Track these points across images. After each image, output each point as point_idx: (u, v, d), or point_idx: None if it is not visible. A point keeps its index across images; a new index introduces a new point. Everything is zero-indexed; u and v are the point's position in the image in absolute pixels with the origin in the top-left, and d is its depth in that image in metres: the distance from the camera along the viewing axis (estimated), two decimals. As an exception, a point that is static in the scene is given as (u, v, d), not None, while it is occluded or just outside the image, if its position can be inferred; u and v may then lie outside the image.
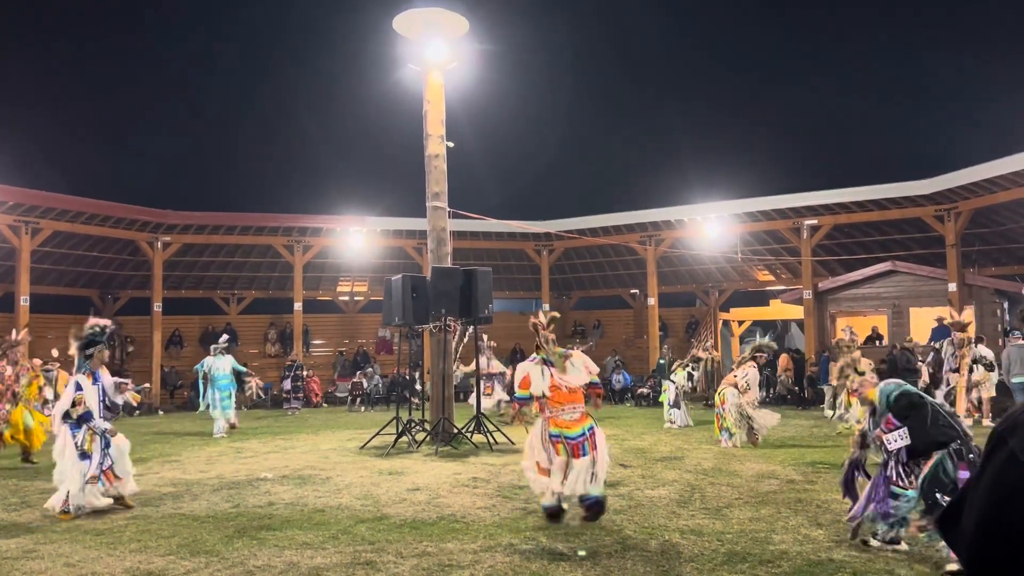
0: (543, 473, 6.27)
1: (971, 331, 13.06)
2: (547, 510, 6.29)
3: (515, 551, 5.44)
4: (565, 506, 6.31)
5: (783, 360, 19.36)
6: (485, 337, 14.98)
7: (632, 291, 25.56)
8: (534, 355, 6.69)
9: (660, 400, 15.27)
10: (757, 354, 11.76)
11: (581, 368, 6.57)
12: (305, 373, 20.35)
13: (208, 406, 13.64)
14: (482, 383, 13.70)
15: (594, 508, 6.17)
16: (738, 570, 4.92)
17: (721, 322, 24.85)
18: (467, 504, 7.11)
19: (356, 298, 25.89)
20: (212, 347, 14.44)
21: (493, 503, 7.11)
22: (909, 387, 5.42)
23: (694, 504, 6.96)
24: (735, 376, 11.40)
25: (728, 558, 5.18)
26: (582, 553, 5.32)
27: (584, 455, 6.17)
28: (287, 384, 19.35)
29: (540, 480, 6.29)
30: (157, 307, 20.78)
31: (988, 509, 1.24)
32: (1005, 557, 1.21)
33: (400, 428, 11.46)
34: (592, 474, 6.13)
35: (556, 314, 7.26)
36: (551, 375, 6.46)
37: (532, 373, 6.54)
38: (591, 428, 6.34)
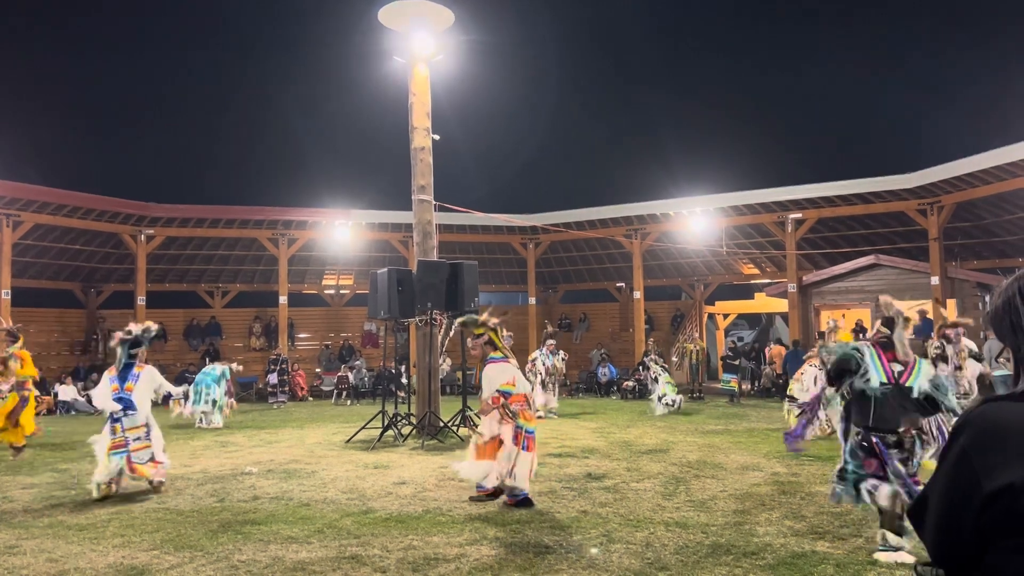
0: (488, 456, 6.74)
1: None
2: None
3: (501, 544, 5.45)
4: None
5: (774, 351, 19.64)
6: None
7: (618, 284, 25.64)
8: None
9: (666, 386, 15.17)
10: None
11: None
12: (291, 366, 20.26)
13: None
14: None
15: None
16: (723, 562, 4.95)
17: (706, 315, 24.97)
18: (453, 498, 7.11)
19: (342, 291, 25.78)
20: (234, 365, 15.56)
21: (479, 496, 7.12)
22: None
23: (679, 496, 7.00)
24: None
25: (713, 550, 5.22)
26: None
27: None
28: (272, 378, 19.26)
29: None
30: (141, 300, 20.60)
31: (944, 505, 1.26)
32: (963, 552, 1.23)
33: (386, 422, 11.45)
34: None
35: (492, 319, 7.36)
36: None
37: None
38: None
